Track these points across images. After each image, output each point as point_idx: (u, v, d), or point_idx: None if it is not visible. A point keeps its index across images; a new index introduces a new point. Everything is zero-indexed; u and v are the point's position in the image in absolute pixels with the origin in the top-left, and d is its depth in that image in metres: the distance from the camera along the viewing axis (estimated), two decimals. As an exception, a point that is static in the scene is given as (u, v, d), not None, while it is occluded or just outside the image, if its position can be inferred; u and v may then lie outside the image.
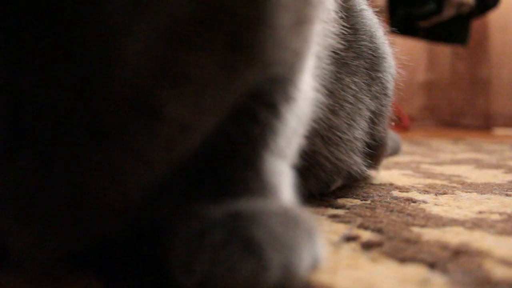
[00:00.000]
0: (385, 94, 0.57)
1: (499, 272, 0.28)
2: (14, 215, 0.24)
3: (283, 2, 0.25)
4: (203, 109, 0.25)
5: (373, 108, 0.54)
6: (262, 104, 0.29)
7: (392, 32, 0.62)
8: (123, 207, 0.25)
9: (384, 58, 0.55)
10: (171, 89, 0.23)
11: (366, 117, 0.53)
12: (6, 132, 0.22)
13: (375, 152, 0.58)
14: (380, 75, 0.54)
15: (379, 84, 0.55)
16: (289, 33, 0.27)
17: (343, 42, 0.43)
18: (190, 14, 0.22)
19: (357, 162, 0.53)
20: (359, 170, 0.55)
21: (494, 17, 2.65)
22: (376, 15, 0.56)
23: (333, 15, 0.38)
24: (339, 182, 0.57)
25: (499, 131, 2.64)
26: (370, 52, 0.52)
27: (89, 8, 0.20)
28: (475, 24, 2.45)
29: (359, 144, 0.53)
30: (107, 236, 0.26)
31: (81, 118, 0.22)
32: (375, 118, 0.55)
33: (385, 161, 0.79)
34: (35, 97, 0.21)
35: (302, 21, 0.28)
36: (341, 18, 0.42)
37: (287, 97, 0.30)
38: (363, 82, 0.51)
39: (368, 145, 0.55)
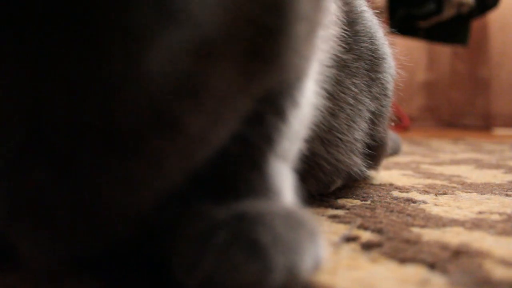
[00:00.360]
0: (385, 95, 0.57)
1: (499, 272, 0.28)
2: (29, 223, 0.24)
3: (301, 11, 0.25)
4: (222, 118, 0.25)
5: (373, 109, 0.54)
6: (270, 108, 0.29)
7: (392, 32, 0.62)
8: (135, 214, 0.25)
9: (384, 59, 0.55)
10: (192, 101, 0.23)
11: (366, 118, 0.53)
12: (23, 142, 0.21)
13: (375, 152, 0.58)
14: (380, 76, 0.54)
15: (379, 85, 0.55)
16: (303, 40, 0.27)
17: (344, 45, 0.43)
18: (216, 26, 0.22)
19: (357, 163, 0.53)
20: (359, 171, 0.55)
21: (494, 17, 2.65)
22: (376, 16, 0.56)
23: (335, 19, 0.38)
24: (338, 183, 0.57)
25: (499, 131, 2.65)
26: (370, 53, 0.52)
27: (114, 19, 0.20)
28: (475, 24, 2.45)
29: (359, 145, 0.53)
30: (117, 241, 0.26)
31: (100, 129, 0.21)
32: (375, 118, 0.55)
33: (385, 161, 0.79)
34: (54, 107, 0.21)
35: (314, 29, 0.28)
36: (342, 21, 0.42)
37: (294, 102, 0.31)
38: (363, 83, 0.51)
39: (368, 146, 0.55)
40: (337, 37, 0.40)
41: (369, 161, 0.57)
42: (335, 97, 0.45)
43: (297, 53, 0.27)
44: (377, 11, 0.57)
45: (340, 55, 0.43)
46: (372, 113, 0.54)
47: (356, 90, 0.49)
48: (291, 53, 0.26)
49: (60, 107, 0.21)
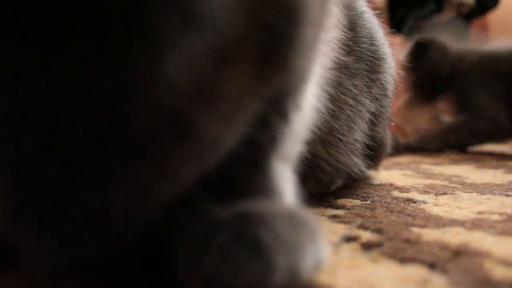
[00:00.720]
0: (385, 95, 0.57)
1: (499, 272, 0.29)
2: (35, 226, 0.24)
3: (310, 17, 0.25)
4: (235, 123, 0.25)
5: (372, 110, 0.54)
6: (274, 110, 0.29)
7: (392, 32, 0.62)
8: (144, 219, 0.25)
9: (384, 59, 0.55)
10: (207, 106, 0.23)
11: (366, 118, 0.53)
12: (35, 145, 0.21)
13: (375, 153, 0.58)
14: (380, 76, 0.54)
15: (379, 86, 0.55)
16: (309, 44, 0.27)
17: (344, 47, 0.43)
18: (235, 31, 0.22)
19: (357, 163, 0.54)
20: (359, 172, 0.55)
21: (494, 17, 2.66)
22: (376, 16, 0.56)
23: (337, 21, 0.38)
24: (339, 183, 0.57)
25: (499, 131, 2.64)
26: (370, 54, 0.52)
27: (134, 22, 0.19)
28: (475, 24, 2.45)
29: (359, 145, 0.53)
30: (122, 245, 0.26)
31: (113, 133, 0.21)
32: (374, 119, 0.56)
33: (385, 161, 0.79)
34: (67, 110, 0.21)
35: (319, 32, 0.29)
36: (344, 23, 0.42)
37: (296, 104, 0.31)
38: (364, 84, 0.51)
39: (368, 146, 0.55)
40: (338, 40, 0.40)
41: (369, 161, 0.57)
42: (336, 98, 0.45)
43: (304, 56, 0.28)
44: (377, 11, 0.57)
45: (341, 57, 0.43)
46: (372, 113, 0.55)
47: (356, 91, 0.50)
48: (299, 57, 0.27)
49: (74, 110, 0.21)
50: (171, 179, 0.24)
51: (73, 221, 0.24)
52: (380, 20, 0.58)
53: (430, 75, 1.40)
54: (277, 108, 0.30)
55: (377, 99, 0.55)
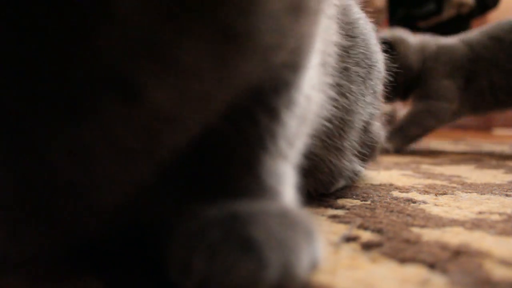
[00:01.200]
0: (376, 98, 0.57)
1: (499, 272, 0.29)
2: None
3: None
4: (190, 100, 0.23)
5: (369, 110, 0.55)
6: (261, 106, 0.29)
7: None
8: (101, 204, 0.24)
9: (375, 65, 0.55)
10: (154, 71, 0.21)
11: (360, 126, 0.54)
12: None
13: (368, 157, 0.59)
14: (372, 83, 0.55)
15: (371, 91, 0.55)
16: (286, 20, 0.25)
17: (345, 46, 0.43)
18: None
19: (350, 166, 0.54)
20: (353, 174, 0.55)
21: (494, 17, 2.66)
22: (369, 22, 0.57)
23: (335, 14, 0.38)
24: (339, 185, 0.57)
25: (499, 131, 2.64)
26: (366, 60, 0.52)
27: None
28: (475, 24, 2.45)
29: (354, 147, 0.53)
30: (89, 237, 0.25)
31: (53, 89, 0.20)
32: (367, 124, 0.56)
33: (385, 161, 0.79)
34: (3, 61, 0.19)
35: (297, 6, 0.26)
36: (342, 25, 0.42)
37: (289, 98, 0.30)
38: (359, 92, 0.51)
39: (362, 145, 0.56)
40: (338, 33, 0.40)
41: (365, 160, 0.58)
42: (341, 91, 0.45)
43: (282, 35, 0.25)
44: (374, 13, 0.58)
45: (341, 49, 0.43)
46: (365, 119, 0.55)
47: (352, 97, 0.50)
48: (272, 36, 0.24)
49: (10, 61, 0.19)
50: (118, 152, 0.22)
51: (19, 202, 0.22)
52: (379, 21, 0.58)
53: (403, 70, 1.39)
54: (264, 104, 0.29)
55: (370, 104, 0.55)
